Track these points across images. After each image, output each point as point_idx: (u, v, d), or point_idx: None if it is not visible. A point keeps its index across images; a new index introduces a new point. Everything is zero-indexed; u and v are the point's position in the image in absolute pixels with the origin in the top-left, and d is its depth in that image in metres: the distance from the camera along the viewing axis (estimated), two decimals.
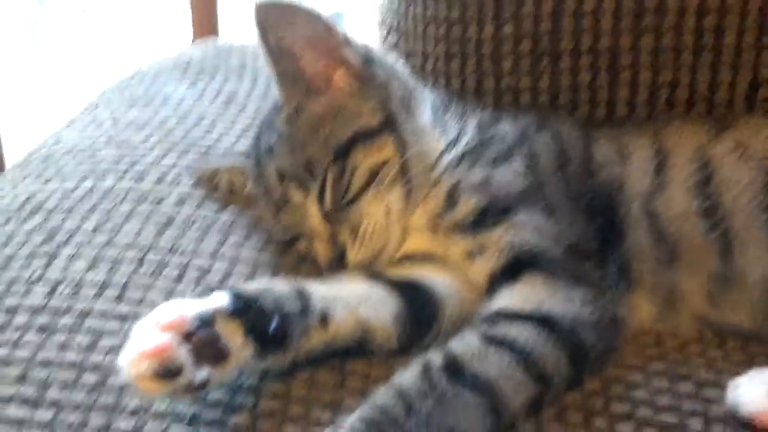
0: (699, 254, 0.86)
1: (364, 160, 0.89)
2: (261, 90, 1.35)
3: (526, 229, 0.84)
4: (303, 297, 0.78)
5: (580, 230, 0.86)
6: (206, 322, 0.69)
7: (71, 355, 0.78)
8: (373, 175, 0.88)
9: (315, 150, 0.90)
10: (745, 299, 0.85)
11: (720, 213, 0.86)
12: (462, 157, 0.93)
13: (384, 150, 0.90)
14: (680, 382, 0.79)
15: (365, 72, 0.93)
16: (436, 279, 0.87)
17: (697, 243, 0.86)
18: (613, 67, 1.10)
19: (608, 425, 0.73)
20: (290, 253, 0.95)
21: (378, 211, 0.89)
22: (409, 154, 0.90)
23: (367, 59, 0.95)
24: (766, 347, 0.86)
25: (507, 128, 0.97)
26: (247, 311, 0.73)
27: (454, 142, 0.95)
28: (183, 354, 0.66)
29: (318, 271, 0.90)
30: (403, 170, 0.90)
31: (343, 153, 0.89)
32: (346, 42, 0.93)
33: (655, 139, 0.95)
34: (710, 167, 0.89)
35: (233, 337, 0.71)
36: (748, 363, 0.83)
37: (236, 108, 1.28)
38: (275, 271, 0.91)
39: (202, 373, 0.67)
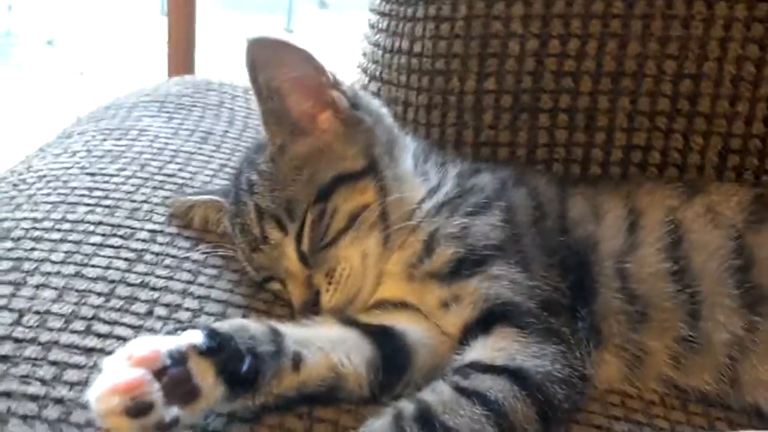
0: (667, 316, 0.87)
1: (344, 203, 0.89)
2: (238, 129, 1.35)
3: (500, 282, 0.84)
4: (277, 338, 0.77)
5: (554, 286, 0.87)
6: (179, 359, 0.68)
7: (34, 388, 0.75)
8: (353, 219, 0.89)
9: (296, 190, 0.89)
10: (709, 363, 0.86)
11: (689, 276, 0.88)
12: (441, 206, 0.93)
13: (365, 194, 0.90)
14: None
15: (352, 116, 0.94)
16: (409, 327, 0.87)
17: (665, 305, 0.87)
18: (590, 127, 1.13)
19: None
20: (263, 293, 0.94)
21: (355, 256, 0.88)
22: (389, 200, 0.90)
23: (355, 103, 0.95)
24: (727, 412, 0.87)
25: (486, 180, 0.98)
26: (221, 350, 0.71)
27: (434, 191, 0.95)
28: (154, 391, 0.65)
29: (290, 313, 0.89)
30: (383, 216, 0.90)
31: (325, 195, 0.89)
32: (335, 84, 0.94)
33: (629, 200, 0.96)
34: (681, 230, 0.91)
35: (205, 376, 0.69)
36: (709, 427, 0.84)
37: (212, 145, 1.27)
38: (246, 313, 0.90)
39: (173, 412, 0.65)
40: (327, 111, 0.93)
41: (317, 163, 0.90)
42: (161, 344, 0.68)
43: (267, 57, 0.89)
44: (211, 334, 0.72)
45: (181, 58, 1.95)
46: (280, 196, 0.89)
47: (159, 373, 0.66)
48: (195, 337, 0.70)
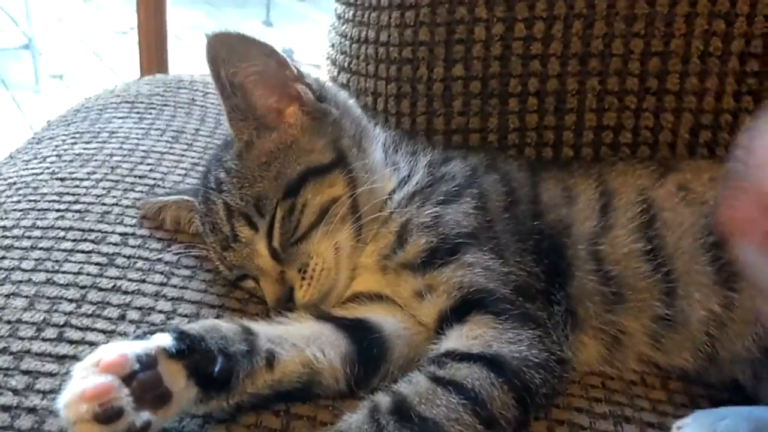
0: (643, 296, 0.87)
1: (314, 198, 0.88)
2: (210, 127, 1.34)
3: (474, 270, 0.84)
4: (249, 337, 0.77)
5: (528, 271, 0.87)
6: (148, 363, 0.67)
7: (6, 399, 0.74)
8: (323, 213, 0.88)
9: (265, 186, 0.88)
10: (688, 341, 0.86)
11: (663, 255, 0.88)
12: (412, 196, 0.93)
13: (335, 187, 0.89)
14: (625, 424, 0.80)
15: (318, 108, 0.93)
16: (385, 319, 0.87)
17: (641, 285, 0.87)
18: (559, 110, 1.13)
19: None
20: (237, 292, 0.93)
21: (327, 250, 0.88)
22: (359, 192, 0.89)
23: (320, 96, 0.94)
24: (708, 389, 0.88)
25: (457, 168, 0.97)
26: (191, 352, 0.71)
27: (404, 181, 0.95)
28: (123, 397, 0.64)
29: (265, 310, 0.88)
30: (354, 208, 0.89)
31: (294, 190, 0.88)
32: (299, 77, 0.92)
33: (600, 182, 0.96)
34: (653, 209, 0.91)
35: (176, 379, 0.69)
36: (690, 404, 0.84)
37: (184, 144, 1.26)
38: (220, 312, 0.89)
39: (143, 417, 0.65)
40: (293, 105, 0.92)
41: (285, 158, 0.89)
42: (129, 349, 0.67)
43: (228, 52, 0.88)
44: (181, 336, 0.71)
45: (153, 55, 1.93)
46: (249, 193, 0.88)
47: (128, 378, 0.65)
48: (164, 340, 0.70)
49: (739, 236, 0.59)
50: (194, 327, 0.75)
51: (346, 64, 1.25)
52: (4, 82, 4.41)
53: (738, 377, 0.85)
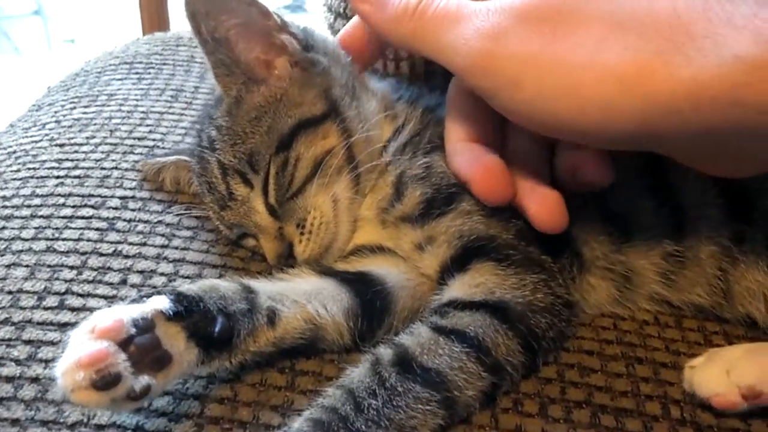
0: (650, 233, 0.84)
1: (307, 150, 0.85)
2: (210, 83, 1.31)
3: (473, 218, 0.81)
4: (249, 295, 0.76)
5: None
6: (145, 327, 0.66)
7: (9, 369, 0.74)
8: (318, 165, 0.85)
9: (257, 142, 0.86)
10: (700, 277, 0.84)
11: (668, 189, 0.84)
12: (405, 145, 0.90)
13: (328, 138, 0.86)
14: (637, 365, 0.78)
15: (305, 58, 0.90)
16: (388, 271, 0.85)
17: (647, 221, 0.84)
18: None
19: (564, 413, 0.72)
20: (240, 251, 0.92)
21: (325, 203, 0.86)
22: (354, 141, 0.87)
23: (307, 45, 0.91)
24: (722, 325, 0.86)
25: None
26: (190, 313, 0.70)
27: (399, 130, 0.92)
28: (121, 362, 0.63)
29: (268, 268, 0.87)
30: (350, 158, 0.87)
31: (286, 144, 0.85)
32: (284, 27, 0.89)
33: None
34: None
35: (175, 341, 0.68)
36: (705, 343, 0.83)
37: (183, 103, 1.25)
38: (222, 272, 0.89)
39: (143, 381, 0.64)
40: (280, 56, 0.89)
41: (275, 112, 0.86)
42: (125, 313, 0.66)
43: (207, 5, 0.84)
44: (178, 297, 0.70)
45: (154, 14, 1.90)
46: (242, 150, 0.86)
47: (125, 343, 0.64)
48: (160, 302, 0.69)
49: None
50: (192, 288, 0.74)
51: (341, 10, 1.21)
52: (17, 48, 4.41)
53: (752, 312, 0.83)
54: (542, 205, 0.76)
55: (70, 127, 1.16)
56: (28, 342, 0.77)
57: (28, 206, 0.97)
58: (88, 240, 0.91)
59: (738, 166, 0.64)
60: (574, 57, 0.59)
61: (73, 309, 0.81)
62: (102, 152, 1.09)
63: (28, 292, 0.83)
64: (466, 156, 0.79)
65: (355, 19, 0.91)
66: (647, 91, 0.55)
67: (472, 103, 0.78)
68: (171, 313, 0.69)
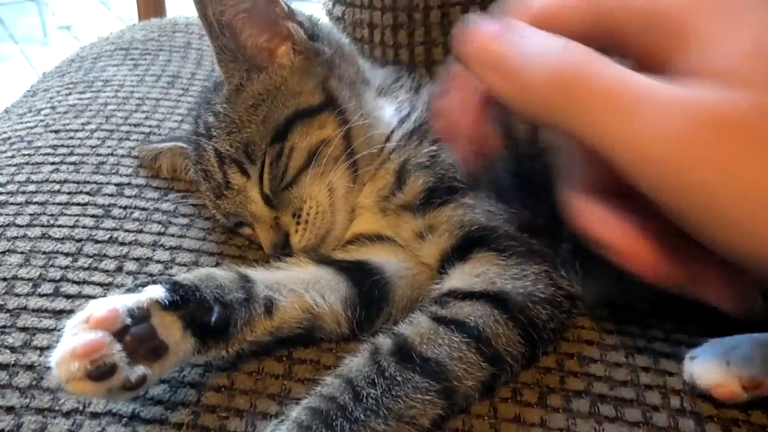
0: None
1: (302, 141, 0.84)
2: (206, 70, 1.31)
3: (475, 208, 0.81)
4: (246, 284, 0.75)
5: (531, 207, 0.83)
6: (141, 316, 0.65)
7: (3, 357, 0.73)
8: (312, 156, 0.84)
9: (253, 131, 0.85)
10: None
11: None
12: (411, 134, 0.89)
13: (324, 129, 0.85)
14: (637, 355, 0.78)
15: (310, 48, 0.89)
16: (387, 260, 0.84)
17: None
18: None
19: (564, 403, 0.71)
20: (237, 239, 0.91)
21: (320, 192, 0.85)
22: (351, 130, 0.86)
23: (313, 34, 0.90)
24: (722, 317, 0.85)
25: None
26: (186, 303, 0.69)
27: (403, 119, 0.91)
28: (116, 352, 0.62)
29: (265, 257, 0.86)
30: (347, 147, 0.86)
31: (282, 134, 0.84)
32: (290, 15, 0.88)
33: None
34: None
35: (171, 331, 0.67)
36: (705, 333, 0.82)
37: (179, 89, 1.23)
38: (219, 260, 0.88)
39: (138, 371, 0.63)
40: (284, 44, 0.87)
41: (273, 101, 0.85)
42: (120, 303, 0.65)
43: None
44: (174, 287, 0.69)
45: (150, 0, 1.89)
46: (238, 139, 0.85)
47: (120, 333, 0.63)
48: (156, 291, 0.68)
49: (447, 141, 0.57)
50: (188, 277, 0.73)
51: None
52: (12, 36, 4.38)
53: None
54: None
55: (66, 113, 1.15)
56: (23, 329, 0.76)
57: (23, 192, 0.96)
58: (84, 227, 0.90)
59: None
60: None
61: (68, 296, 0.81)
62: (98, 138, 1.08)
63: (23, 278, 0.82)
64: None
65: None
66: None
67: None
68: (167, 302, 0.68)
